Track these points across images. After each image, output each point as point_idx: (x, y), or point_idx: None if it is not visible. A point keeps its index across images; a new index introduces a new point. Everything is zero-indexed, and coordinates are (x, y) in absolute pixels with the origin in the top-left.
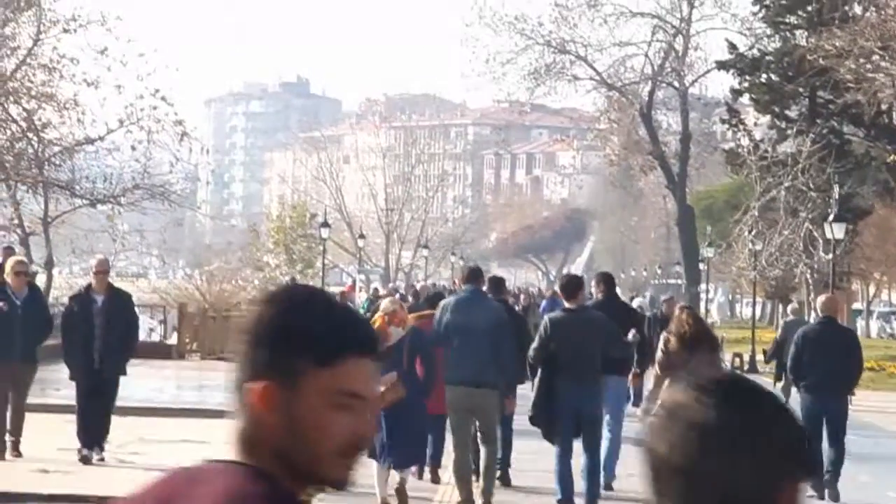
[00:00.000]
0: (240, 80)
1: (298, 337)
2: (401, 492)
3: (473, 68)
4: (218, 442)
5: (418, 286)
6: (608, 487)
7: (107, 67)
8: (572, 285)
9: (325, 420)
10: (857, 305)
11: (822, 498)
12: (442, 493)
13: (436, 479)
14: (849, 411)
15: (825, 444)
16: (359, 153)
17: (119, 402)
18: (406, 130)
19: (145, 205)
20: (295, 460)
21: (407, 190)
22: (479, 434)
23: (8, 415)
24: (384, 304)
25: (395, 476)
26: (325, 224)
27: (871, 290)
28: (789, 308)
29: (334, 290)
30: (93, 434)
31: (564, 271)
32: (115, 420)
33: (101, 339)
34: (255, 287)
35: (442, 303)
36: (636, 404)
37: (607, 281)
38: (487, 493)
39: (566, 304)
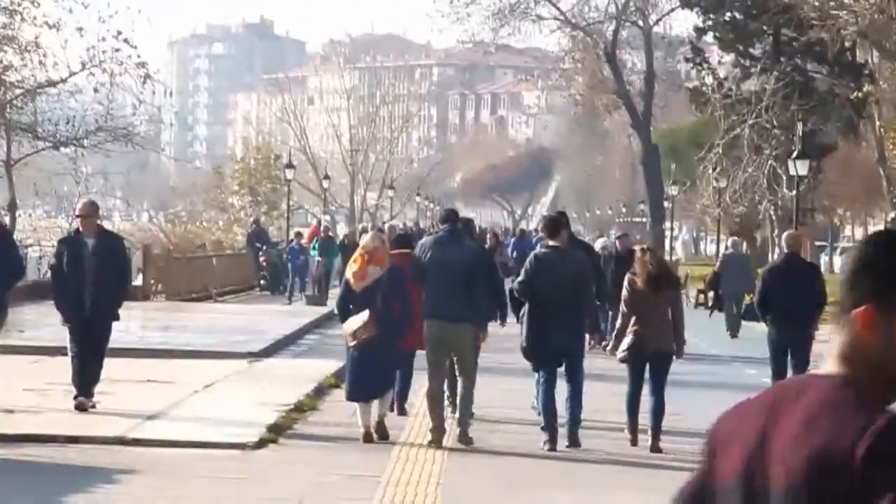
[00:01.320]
0: (203, 22)
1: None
2: (380, 425)
3: (438, 9)
4: (183, 382)
5: (385, 227)
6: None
7: (68, 10)
8: (554, 224)
9: None
10: (820, 241)
11: None
12: (409, 426)
13: (402, 412)
14: (813, 343)
15: (790, 375)
16: (323, 94)
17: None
18: (370, 71)
19: (109, 147)
20: (888, 372)
21: (371, 131)
22: (455, 366)
23: None
24: (365, 239)
25: (376, 409)
26: (290, 165)
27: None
28: (729, 241)
29: (300, 230)
30: (86, 381)
31: (530, 211)
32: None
33: (92, 284)
34: (219, 228)
35: (420, 242)
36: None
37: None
38: (464, 422)
39: (550, 242)
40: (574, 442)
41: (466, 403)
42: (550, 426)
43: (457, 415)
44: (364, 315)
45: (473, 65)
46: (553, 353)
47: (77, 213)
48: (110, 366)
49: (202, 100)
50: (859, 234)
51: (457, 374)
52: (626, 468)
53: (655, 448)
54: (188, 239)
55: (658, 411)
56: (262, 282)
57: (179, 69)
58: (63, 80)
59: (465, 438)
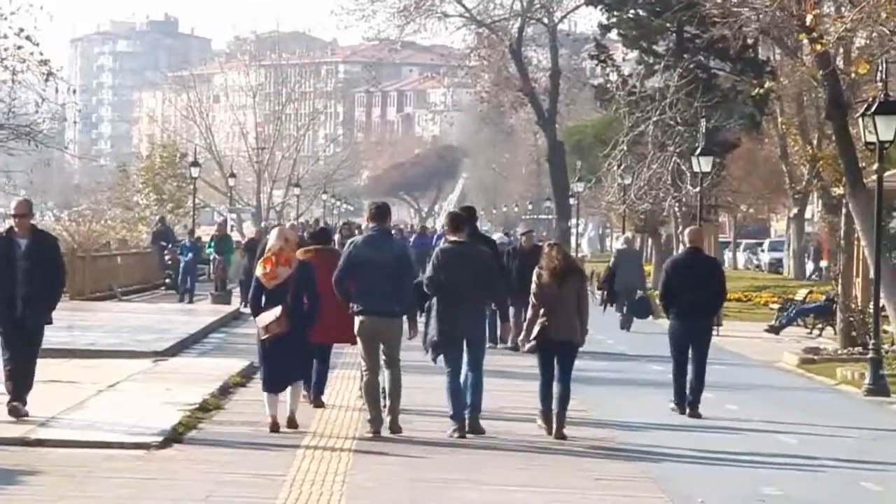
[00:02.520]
0: (107, 19)
1: None
2: (291, 420)
3: (343, 6)
4: (87, 381)
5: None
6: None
7: None
8: (458, 220)
9: None
10: (724, 237)
11: (682, 413)
12: (320, 417)
13: (319, 405)
14: (712, 335)
15: (690, 364)
16: (228, 92)
17: None
18: (276, 69)
19: (11, 145)
20: None
21: (278, 129)
22: (383, 358)
23: None
24: (271, 241)
25: (288, 396)
26: (195, 163)
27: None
28: (622, 238)
29: (206, 229)
30: (21, 386)
31: (436, 208)
32: None
33: (25, 285)
34: (124, 227)
35: (351, 240)
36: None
37: (468, 215)
38: (394, 411)
39: (452, 237)
40: (476, 429)
41: (396, 395)
42: (458, 415)
43: (387, 403)
44: (276, 311)
45: (379, 62)
46: (458, 342)
47: (12, 212)
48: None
49: (107, 97)
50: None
51: (383, 365)
52: (533, 458)
53: (560, 435)
54: (93, 237)
55: (564, 399)
56: (167, 280)
57: (84, 66)
58: None
59: (395, 426)
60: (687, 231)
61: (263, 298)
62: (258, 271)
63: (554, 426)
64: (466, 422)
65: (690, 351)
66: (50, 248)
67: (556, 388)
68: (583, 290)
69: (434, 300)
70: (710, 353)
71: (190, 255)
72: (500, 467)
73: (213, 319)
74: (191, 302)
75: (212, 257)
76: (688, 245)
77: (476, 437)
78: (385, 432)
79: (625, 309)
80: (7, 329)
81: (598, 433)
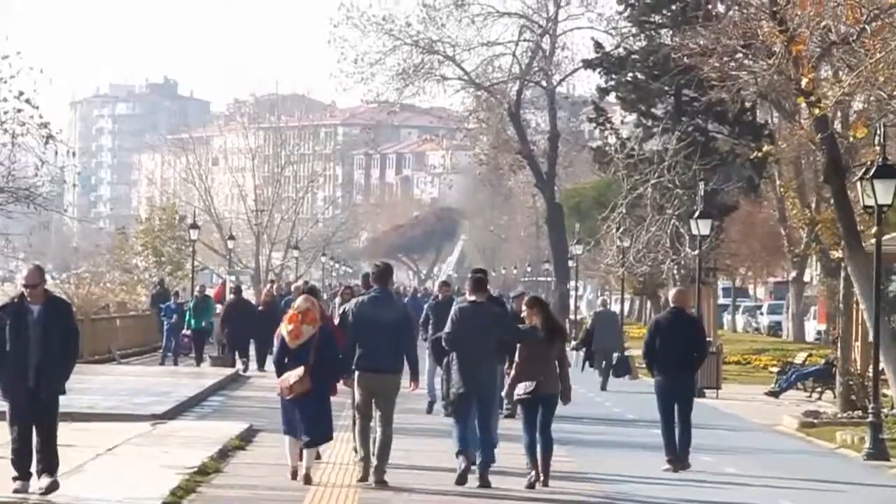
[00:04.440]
0: (106, 82)
1: None
2: (307, 478)
3: (342, 69)
4: (85, 444)
5: (293, 286)
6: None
7: None
8: (480, 282)
9: None
10: (723, 300)
11: (676, 471)
12: (317, 486)
13: (317, 456)
14: (695, 390)
15: (676, 419)
16: (228, 154)
17: None
18: (275, 131)
19: (10, 208)
20: None
21: (277, 191)
22: (378, 414)
23: None
24: (298, 302)
25: (305, 456)
26: (195, 226)
27: (737, 283)
28: (598, 301)
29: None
30: (27, 462)
31: (435, 270)
32: None
33: (37, 354)
34: (122, 290)
35: (354, 300)
36: None
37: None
38: (381, 468)
39: (470, 298)
40: (484, 483)
41: (386, 450)
42: (465, 451)
43: (374, 462)
44: (299, 371)
45: (378, 124)
46: (471, 397)
47: (25, 282)
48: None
49: (106, 160)
50: (761, 292)
51: (377, 422)
52: None
53: (546, 483)
54: (91, 300)
55: (548, 450)
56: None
57: (83, 129)
58: None
59: (381, 479)
60: (672, 292)
61: (286, 358)
62: (283, 329)
63: (542, 476)
64: (476, 469)
65: (675, 404)
66: (64, 315)
67: (540, 440)
68: (564, 349)
69: (452, 356)
70: (709, 417)
71: (175, 317)
72: None
73: (212, 382)
74: (175, 364)
75: (185, 327)
76: (672, 305)
77: (474, 498)
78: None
79: (602, 368)
80: (18, 401)
81: (605, 488)
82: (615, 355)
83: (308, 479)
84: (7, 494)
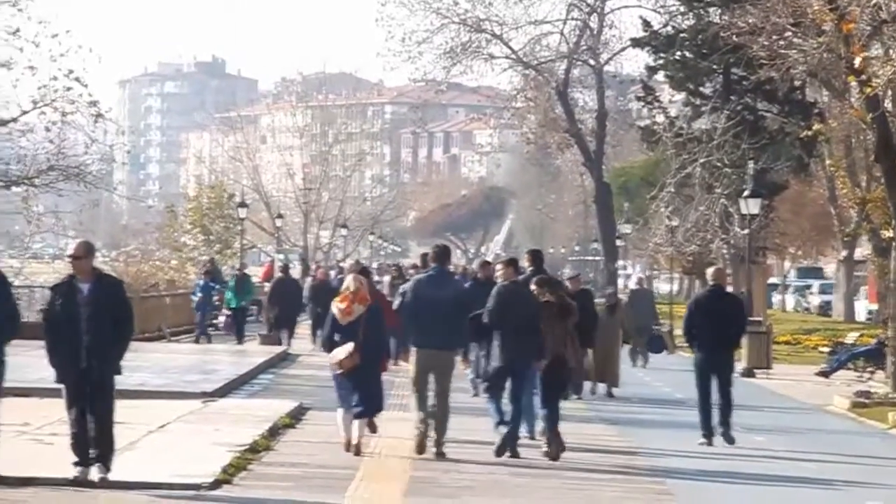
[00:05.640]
0: (154, 61)
1: None
2: (358, 449)
3: (389, 47)
4: (136, 422)
5: (345, 264)
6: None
7: (19, 48)
8: (515, 263)
9: None
10: (772, 280)
11: (710, 444)
12: (377, 441)
13: (373, 429)
14: (734, 367)
15: (715, 396)
16: (275, 133)
17: (41, 385)
18: (323, 110)
19: (60, 186)
20: None
21: (324, 169)
22: (435, 388)
23: None
24: (348, 281)
25: (356, 428)
26: (243, 204)
27: (787, 264)
28: (636, 279)
29: (253, 269)
30: (87, 447)
31: (483, 249)
32: (35, 402)
33: (88, 334)
34: (171, 268)
35: (413, 279)
36: None
37: (534, 256)
38: (440, 439)
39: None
40: (514, 453)
41: (444, 423)
42: (503, 422)
43: (434, 434)
44: (349, 346)
45: (426, 103)
46: (506, 373)
47: (71, 254)
48: (61, 406)
49: (155, 138)
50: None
51: (436, 395)
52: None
53: (559, 451)
54: (141, 278)
55: (555, 421)
56: (214, 321)
57: (132, 108)
58: (14, 120)
59: (440, 452)
60: (710, 270)
61: (337, 335)
62: (334, 308)
63: (555, 445)
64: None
65: (715, 382)
66: (115, 293)
67: (548, 412)
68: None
69: (494, 334)
70: (759, 397)
71: (200, 294)
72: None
73: (262, 360)
74: (197, 342)
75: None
76: (710, 283)
77: (523, 477)
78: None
79: (635, 346)
80: (71, 384)
81: (646, 478)
82: (652, 330)
83: (358, 451)
84: (65, 476)
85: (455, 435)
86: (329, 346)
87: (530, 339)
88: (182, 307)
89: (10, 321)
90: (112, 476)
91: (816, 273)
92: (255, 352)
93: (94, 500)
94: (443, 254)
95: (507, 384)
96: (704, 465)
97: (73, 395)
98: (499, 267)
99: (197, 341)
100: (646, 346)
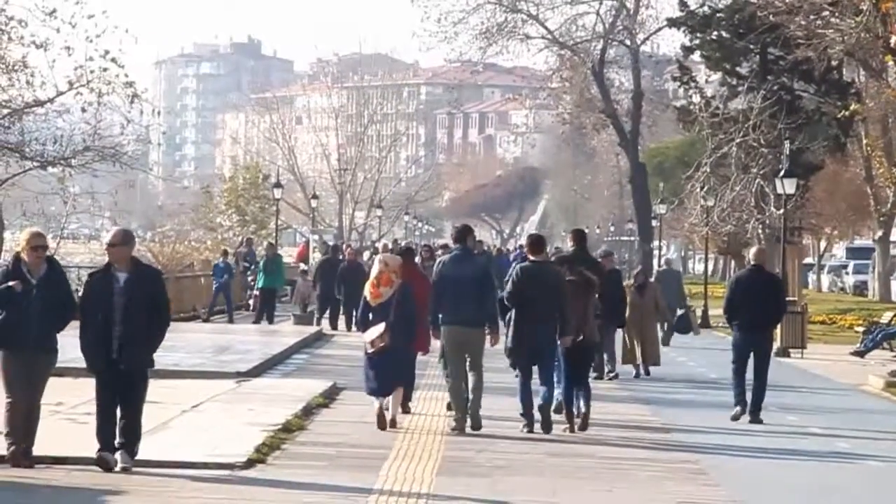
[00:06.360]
0: (190, 42)
1: None
2: (393, 421)
3: (425, 28)
4: (171, 402)
5: (379, 245)
6: (558, 411)
7: (56, 29)
8: (539, 242)
9: None
10: (808, 260)
11: (742, 413)
12: (410, 420)
13: (405, 410)
14: (772, 347)
15: (750, 375)
16: (311, 114)
17: (76, 364)
18: (358, 91)
19: (96, 167)
20: None
21: (360, 150)
22: (468, 363)
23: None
24: (374, 266)
25: (387, 401)
26: (278, 185)
27: (823, 244)
28: (663, 260)
29: (288, 250)
30: (112, 436)
31: (518, 230)
32: (69, 382)
33: (121, 324)
34: (207, 248)
35: (439, 259)
36: None
37: (578, 236)
38: (475, 410)
39: (531, 257)
40: (547, 426)
41: (478, 395)
42: (528, 415)
43: (471, 406)
44: (380, 327)
45: (461, 84)
46: (527, 352)
47: (109, 242)
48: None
49: (190, 119)
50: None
51: (468, 370)
52: (615, 480)
53: (584, 426)
54: (176, 258)
55: (588, 398)
56: (250, 301)
57: (167, 88)
58: (50, 100)
59: (476, 423)
60: (751, 251)
61: (370, 315)
62: (366, 291)
63: (578, 422)
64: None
65: (752, 360)
66: (151, 283)
67: (581, 389)
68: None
69: (513, 313)
70: (794, 377)
71: (225, 276)
72: (584, 489)
73: (296, 341)
74: (206, 321)
75: (251, 285)
76: (752, 263)
77: (557, 456)
78: (440, 458)
79: (665, 325)
80: (101, 373)
81: (681, 456)
82: (678, 312)
83: (394, 423)
84: (89, 455)
85: (490, 413)
86: (364, 326)
87: (552, 318)
88: None
89: (62, 310)
90: (146, 455)
91: (867, 253)
92: (289, 332)
93: (126, 479)
94: (463, 233)
95: (535, 367)
96: (737, 442)
97: (102, 383)
98: (524, 245)
99: (206, 320)
100: (672, 326)
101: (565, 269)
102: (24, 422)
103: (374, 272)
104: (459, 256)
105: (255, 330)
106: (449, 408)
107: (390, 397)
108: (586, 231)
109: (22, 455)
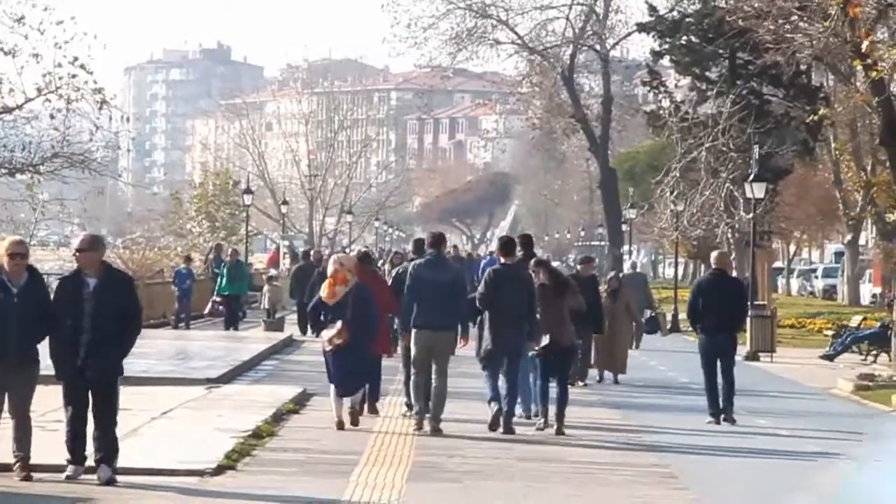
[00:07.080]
0: (160, 48)
1: None
2: (353, 413)
3: (395, 33)
4: (140, 409)
5: (351, 251)
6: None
7: (24, 36)
8: (510, 245)
9: None
10: (777, 264)
11: (717, 423)
12: (380, 423)
13: (373, 411)
14: (737, 348)
15: (719, 378)
16: (281, 119)
17: (45, 372)
18: (328, 96)
19: (65, 173)
20: None
21: (330, 156)
22: (434, 367)
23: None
24: (329, 267)
25: (347, 401)
26: (248, 191)
27: (792, 248)
28: (628, 264)
29: (258, 256)
30: (82, 446)
31: (488, 235)
32: (41, 388)
33: (89, 331)
34: (177, 255)
35: (412, 263)
36: None
37: (525, 242)
38: (437, 416)
39: (503, 260)
40: (508, 429)
41: (440, 400)
42: (496, 399)
43: (431, 410)
44: (337, 325)
45: (431, 89)
46: (500, 353)
47: (77, 248)
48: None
49: (160, 125)
50: (816, 256)
51: (434, 374)
52: (584, 485)
53: (560, 432)
54: (146, 265)
55: (564, 400)
56: (219, 308)
57: (137, 95)
58: (19, 107)
59: (436, 428)
60: (713, 255)
61: (323, 316)
62: (322, 291)
63: (556, 424)
64: (500, 419)
65: (719, 363)
66: (122, 288)
67: (557, 391)
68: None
69: (486, 315)
70: (763, 381)
71: (188, 282)
72: (555, 493)
73: (266, 347)
74: (175, 328)
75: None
76: (714, 267)
77: (527, 461)
78: (409, 463)
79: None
80: (68, 381)
81: (651, 459)
82: (646, 313)
83: (354, 418)
84: (59, 463)
85: (456, 416)
86: (315, 323)
87: (522, 321)
88: None
89: (43, 320)
90: (117, 462)
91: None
92: (259, 338)
93: (94, 487)
94: (439, 240)
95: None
96: (707, 444)
97: (70, 391)
98: (494, 248)
99: (175, 327)
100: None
101: (539, 272)
102: (19, 432)
103: (329, 271)
104: (433, 261)
105: (224, 336)
106: (409, 407)
107: (346, 401)
108: (532, 237)
109: (22, 466)
